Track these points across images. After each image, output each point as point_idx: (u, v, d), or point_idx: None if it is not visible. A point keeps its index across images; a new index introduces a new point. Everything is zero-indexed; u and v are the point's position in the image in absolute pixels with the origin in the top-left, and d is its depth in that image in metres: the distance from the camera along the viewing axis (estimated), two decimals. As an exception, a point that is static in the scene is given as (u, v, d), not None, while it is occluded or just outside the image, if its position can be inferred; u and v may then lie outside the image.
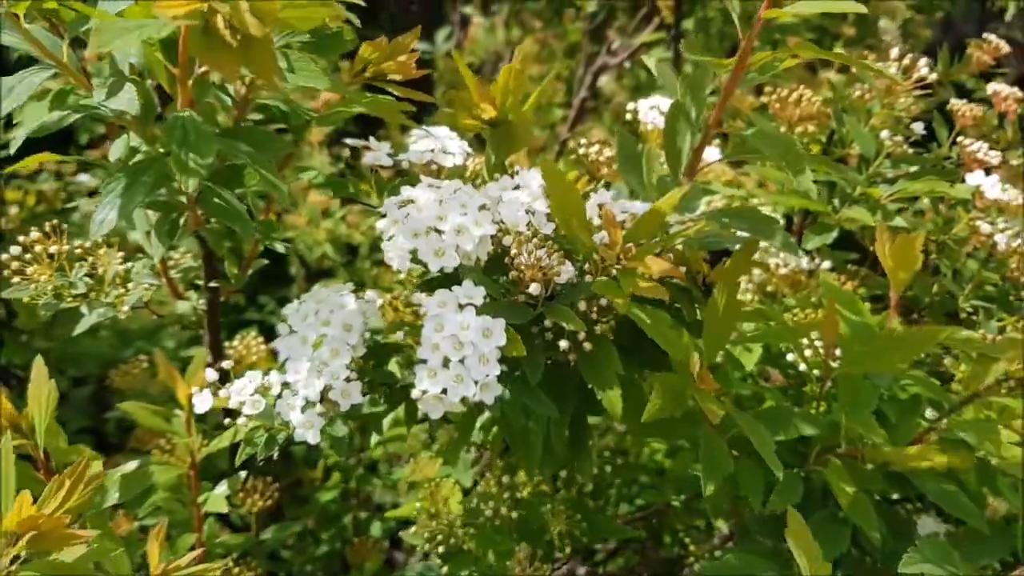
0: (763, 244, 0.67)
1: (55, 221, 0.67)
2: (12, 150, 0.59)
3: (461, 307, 0.56)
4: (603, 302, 0.59)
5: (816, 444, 0.69)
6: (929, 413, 0.69)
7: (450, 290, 0.57)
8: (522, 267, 0.57)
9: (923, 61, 0.88)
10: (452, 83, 1.93)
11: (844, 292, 0.78)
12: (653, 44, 1.65)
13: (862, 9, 0.58)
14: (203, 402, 0.63)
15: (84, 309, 0.66)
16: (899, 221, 0.85)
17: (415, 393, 0.57)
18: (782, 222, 1.08)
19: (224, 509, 0.88)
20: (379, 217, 0.63)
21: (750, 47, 0.62)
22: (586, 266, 0.61)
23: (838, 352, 0.69)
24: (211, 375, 0.64)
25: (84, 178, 1.49)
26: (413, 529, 0.81)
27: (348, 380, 0.61)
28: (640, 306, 0.58)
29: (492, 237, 0.60)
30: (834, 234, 0.90)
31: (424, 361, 0.56)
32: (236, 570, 0.86)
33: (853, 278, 1.00)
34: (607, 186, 0.80)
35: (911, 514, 0.76)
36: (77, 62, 0.57)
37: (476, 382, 0.55)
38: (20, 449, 0.59)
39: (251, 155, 0.58)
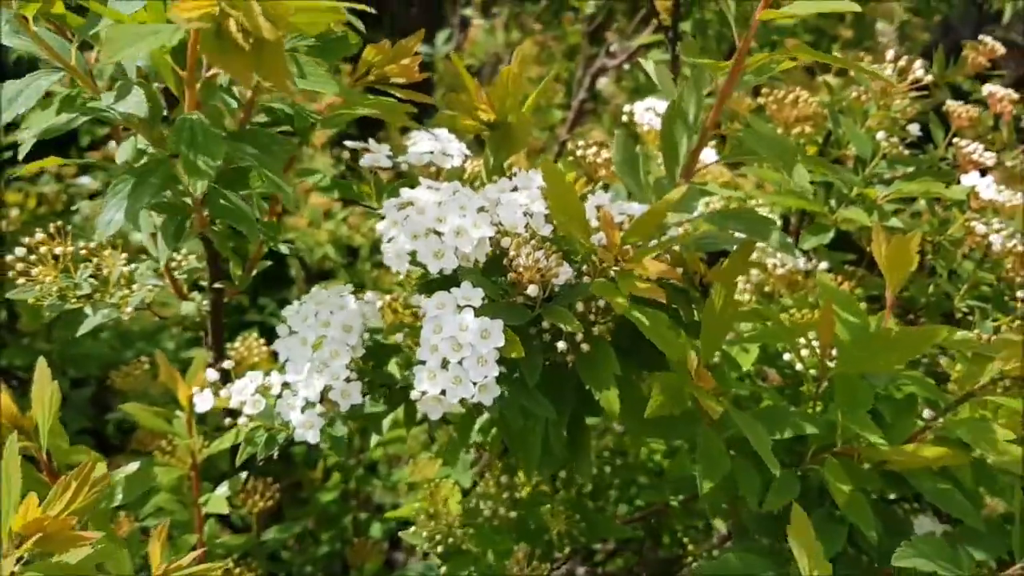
0: (761, 245, 0.67)
1: (59, 223, 0.68)
2: (21, 155, 0.59)
3: (460, 308, 0.57)
4: (601, 303, 0.60)
5: (813, 443, 0.69)
6: (926, 413, 0.70)
7: (449, 292, 0.58)
8: (520, 269, 0.58)
9: (918, 63, 0.89)
10: (452, 85, 1.94)
11: (841, 292, 0.79)
12: (651, 46, 1.65)
13: (857, 8, 0.59)
14: (204, 401, 0.63)
15: (88, 310, 0.66)
16: (895, 222, 0.86)
17: (414, 394, 0.57)
18: (779, 223, 1.08)
19: (225, 510, 0.88)
20: (379, 219, 0.63)
21: (746, 49, 0.63)
22: (584, 267, 0.61)
23: (834, 352, 0.70)
24: (212, 375, 0.64)
25: (85, 180, 1.49)
26: (412, 529, 0.81)
27: (348, 380, 0.61)
28: (638, 307, 0.58)
29: (491, 239, 0.60)
30: (831, 235, 0.91)
31: (423, 362, 0.57)
32: (237, 571, 0.86)
33: (850, 278, 1.01)
34: (605, 188, 0.80)
35: (908, 514, 0.76)
36: (84, 65, 0.58)
37: (475, 383, 0.56)
38: (23, 450, 0.60)
39: (257, 157, 0.59)
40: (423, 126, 0.72)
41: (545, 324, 0.60)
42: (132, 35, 0.47)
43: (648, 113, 0.86)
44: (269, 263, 0.79)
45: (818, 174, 0.86)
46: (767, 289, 0.99)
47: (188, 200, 0.63)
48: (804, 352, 0.74)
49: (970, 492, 0.68)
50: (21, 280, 0.65)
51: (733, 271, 0.66)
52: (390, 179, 0.74)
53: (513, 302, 0.59)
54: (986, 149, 0.91)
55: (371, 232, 1.52)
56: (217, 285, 0.75)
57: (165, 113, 0.61)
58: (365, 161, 0.70)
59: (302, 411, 0.60)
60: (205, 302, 0.78)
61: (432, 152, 0.70)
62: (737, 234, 0.67)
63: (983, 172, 0.89)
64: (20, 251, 0.66)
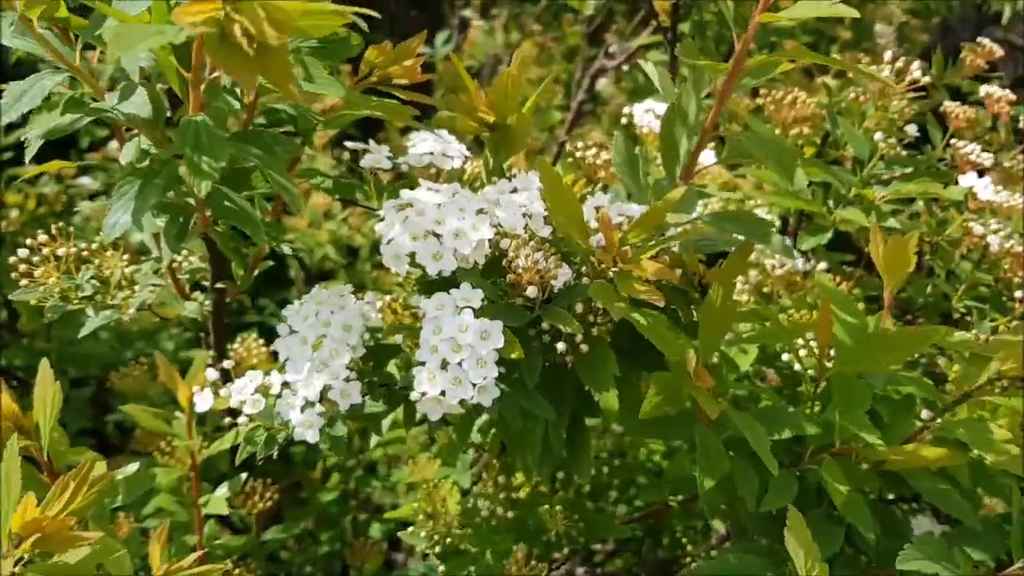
0: (759, 246, 0.68)
1: (61, 224, 0.68)
2: (28, 156, 0.60)
3: (459, 310, 0.57)
4: (600, 304, 0.60)
5: (811, 443, 0.69)
6: (924, 413, 0.70)
7: (448, 293, 0.58)
8: (520, 270, 0.58)
9: (916, 64, 0.89)
10: (451, 86, 1.94)
11: (839, 293, 0.79)
12: (650, 47, 1.66)
13: (856, 14, 0.59)
14: (204, 401, 0.63)
15: (89, 311, 0.66)
16: (893, 222, 0.86)
17: (414, 395, 0.57)
18: (778, 223, 1.09)
19: (225, 511, 0.88)
20: (379, 220, 0.63)
21: (745, 51, 0.63)
22: (583, 268, 0.62)
23: (832, 352, 0.70)
24: (212, 374, 0.65)
25: (85, 181, 1.49)
26: (411, 529, 0.81)
27: (347, 380, 0.61)
28: (637, 308, 0.58)
29: (490, 240, 0.61)
30: (829, 235, 0.91)
31: (422, 363, 0.57)
32: (236, 571, 0.86)
33: (848, 279, 1.01)
34: (604, 189, 0.81)
35: (907, 514, 0.76)
36: (88, 66, 0.58)
37: (474, 384, 0.56)
38: (23, 451, 0.60)
39: (261, 158, 0.59)
40: (424, 127, 0.73)
41: (544, 325, 0.60)
42: (139, 33, 0.47)
43: (648, 115, 0.87)
44: (272, 263, 0.80)
45: (816, 175, 0.87)
46: (765, 289, 1.00)
47: (191, 200, 0.63)
48: (802, 352, 0.74)
49: (968, 492, 0.68)
50: (24, 281, 0.66)
51: (732, 272, 0.66)
52: (390, 180, 0.74)
53: (512, 303, 0.59)
54: (984, 150, 0.91)
55: (371, 233, 1.52)
56: (219, 285, 0.75)
57: (169, 114, 0.61)
58: (366, 162, 0.70)
59: (302, 410, 0.60)
60: (207, 302, 0.78)
61: (432, 153, 0.70)
62: (736, 235, 0.67)
63: (981, 173, 0.89)
64: (23, 252, 0.66)
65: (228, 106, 0.59)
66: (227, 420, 0.63)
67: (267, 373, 0.63)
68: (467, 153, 0.73)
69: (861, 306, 0.83)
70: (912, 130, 0.92)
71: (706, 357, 0.63)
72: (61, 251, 0.66)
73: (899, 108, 0.91)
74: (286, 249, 0.75)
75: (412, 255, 0.60)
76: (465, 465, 0.91)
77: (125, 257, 0.69)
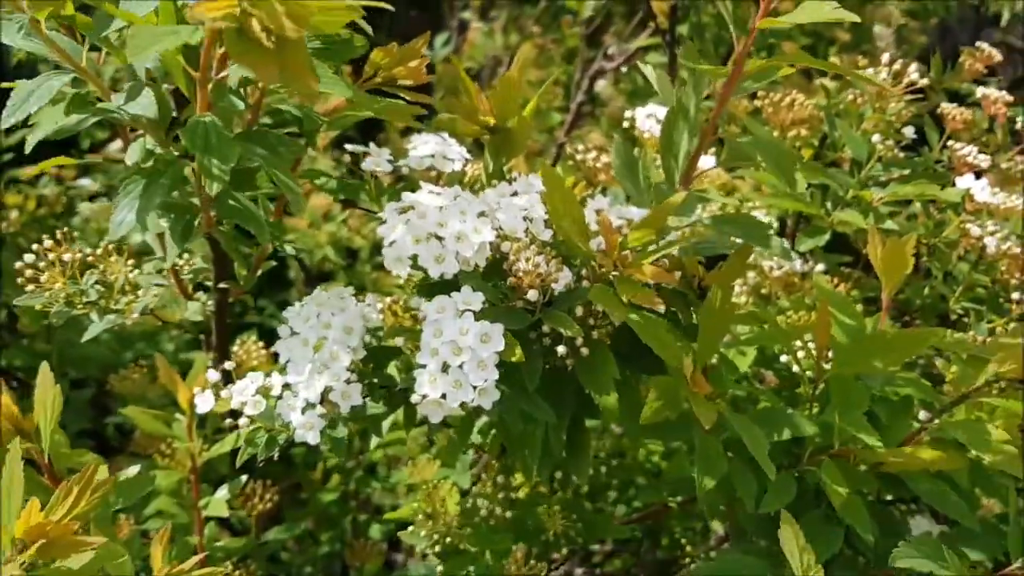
0: (758, 248, 0.68)
1: (66, 229, 0.68)
2: (28, 149, 0.59)
3: (460, 313, 0.57)
4: (600, 307, 0.60)
5: (809, 445, 0.70)
6: (922, 415, 0.70)
7: (449, 296, 0.58)
8: (520, 273, 0.58)
9: (913, 67, 0.89)
10: (450, 88, 1.94)
11: (837, 294, 0.79)
12: (649, 49, 1.66)
13: (856, 19, 0.59)
14: (205, 402, 0.64)
15: (93, 316, 0.67)
16: (890, 224, 0.86)
17: (415, 397, 0.57)
18: (776, 225, 1.09)
19: (225, 513, 0.89)
20: (379, 222, 0.63)
21: (745, 54, 0.63)
22: (583, 272, 0.62)
23: (831, 354, 0.70)
24: (213, 376, 0.65)
25: (85, 182, 1.49)
26: (411, 528, 0.81)
27: (348, 382, 0.61)
28: (636, 311, 0.59)
29: (491, 243, 0.61)
30: (827, 237, 0.91)
31: (423, 366, 0.57)
32: (236, 573, 0.86)
33: (846, 280, 1.01)
34: (603, 191, 0.81)
35: (905, 515, 0.77)
36: (94, 66, 0.58)
37: (475, 387, 0.56)
38: (24, 453, 0.60)
39: (266, 158, 0.59)
40: (427, 128, 0.73)
41: (545, 328, 0.60)
42: (153, 35, 0.48)
43: (649, 120, 0.87)
44: (274, 263, 0.80)
45: (814, 178, 0.87)
46: (764, 291, 1.00)
47: (195, 201, 0.63)
48: (801, 354, 0.75)
49: (966, 493, 0.68)
50: (30, 287, 0.66)
51: (731, 275, 0.67)
52: (390, 183, 0.74)
53: (513, 306, 0.60)
54: (981, 151, 0.91)
55: (371, 234, 1.52)
56: (222, 285, 0.75)
57: (175, 114, 0.62)
58: (367, 165, 0.71)
59: (303, 412, 0.61)
60: (210, 302, 0.78)
61: (433, 156, 0.70)
62: (734, 238, 0.68)
63: (978, 175, 0.90)
64: (29, 258, 0.66)
65: (233, 106, 0.59)
66: (228, 422, 0.64)
67: (268, 374, 0.63)
68: (467, 156, 0.73)
69: (859, 307, 0.83)
70: (909, 132, 0.92)
71: (705, 359, 0.63)
72: (67, 256, 0.66)
73: (897, 110, 0.91)
74: (289, 249, 0.76)
75: (414, 258, 0.60)
76: (464, 466, 0.91)
77: (130, 263, 0.69)
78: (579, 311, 0.60)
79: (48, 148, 0.63)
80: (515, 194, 0.65)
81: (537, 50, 1.94)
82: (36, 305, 0.65)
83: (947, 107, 0.95)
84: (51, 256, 0.66)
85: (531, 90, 1.65)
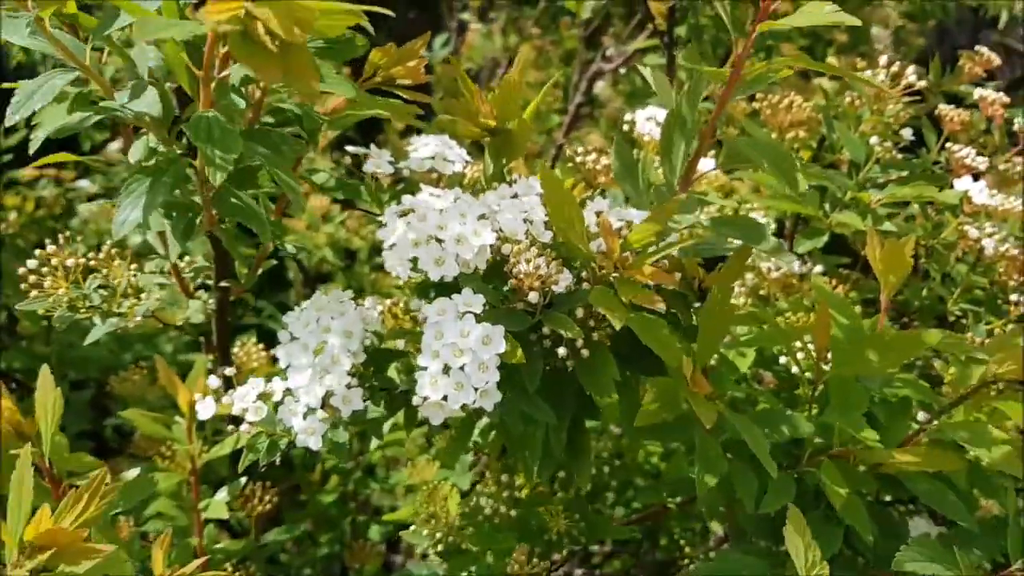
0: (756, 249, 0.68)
1: (68, 233, 0.68)
2: (32, 149, 0.60)
3: (461, 315, 0.57)
4: (600, 309, 0.61)
5: (809, 446, 0.70)
6: (920, 415, 0.71)
7: (450, 298, 0.58)
8: (521, 275, 0.58)
9: (911, 69, 0.90)
10: (449, 89, 1.94)
11: (835, 296, 0.79)
12: (647, 50, 1.66)
13: (856, 22, 0.60)
14: (206, 409, 0.64)
15: (96, 320, 0.67)
16: (889, 226, 0.87)
17: (416, 399, 0.58)
18: (774, 227, 1.09)
19: (225, 515, 0.88)
20: (379, 224, 0.64)
21: (745, 56, 0.64)
22: (583, 274, 0.62)
23: (829, 355, 0.70)
24: (214, 382, 0.65)
25: (84, 184, 1.49)
26: (413, 528, 0.82)
27: (349, 386, 0.61)
28: (636, 312, 0.59)
29: (491, 245, 0.61)
30: (825, 238, 0.92)
31: (424, 368, 0.57)
32: (236, 575, 0.86)
33: (844, 282, 1.02)
34: (603, 193, 0.81)
35: (904, 515, 0.77)
36: (97, 65, 0.58)
37: (476, 389, 0.56)
38: (24, 456, 0.60)
39: (267, 157, 0.59)
40: (427, 130, 0.73)
41: (545, 330, 0.60)
42: (160, 24, 0.48)
43: (649, 123, 0.87)
44: (275, 262, 0.80)
45: (812, 180, 0.87)
46: (762, 292, 1.00)
47: (197, 199, 0.63)
48: (800, 355, 0.75)
49: (964, 494, 0.68)
50: (33, 292, 0.66)
51: (731, 276, 0.67)
52: (390, 184, 0.74)
53: (514, 308, 0.60)
54: (978, 153, 0.92)
55: (369, 235, 1.52)
56: (224, 284, 0.75)
57: (177, 113, 0.62)
58: (368, 166, 0.71)
59: (304, 417, 0.61)
60: (211, 301, 0.78)
61: (434, 158, 0.70)
62: (733, 240, 0.68)
63: (976, 176, 0.90)
64: (32, 263, 0.66)
65: (235, 104, 0.59)
66: (230, 427, 0.64)
67: (268, 379, 0.63)
68: (467, 157, 0.73)
69: (858, 309, 0.83)
70: (907, 134, 0.92)
71: (705, 360, 0.63)
72: (70, 261, 0.66)
73: (895, 112, 0.92)
74: (290, 248, 0.76)
75: (414, 260, 0.60)
76: (464, 467, 0.91)
77: (134, 267, 0.69)
78: (579, 313, 0.60)
79: (48, 149, 0.63)
80: (515, 196, 0.66)
81: (536, 51, 1.94)
82: (39, 310, 0.65)
83: (945, 108, 0.95)
84: (54, 261, 0.66)
85: (531, 92, 1.65)
